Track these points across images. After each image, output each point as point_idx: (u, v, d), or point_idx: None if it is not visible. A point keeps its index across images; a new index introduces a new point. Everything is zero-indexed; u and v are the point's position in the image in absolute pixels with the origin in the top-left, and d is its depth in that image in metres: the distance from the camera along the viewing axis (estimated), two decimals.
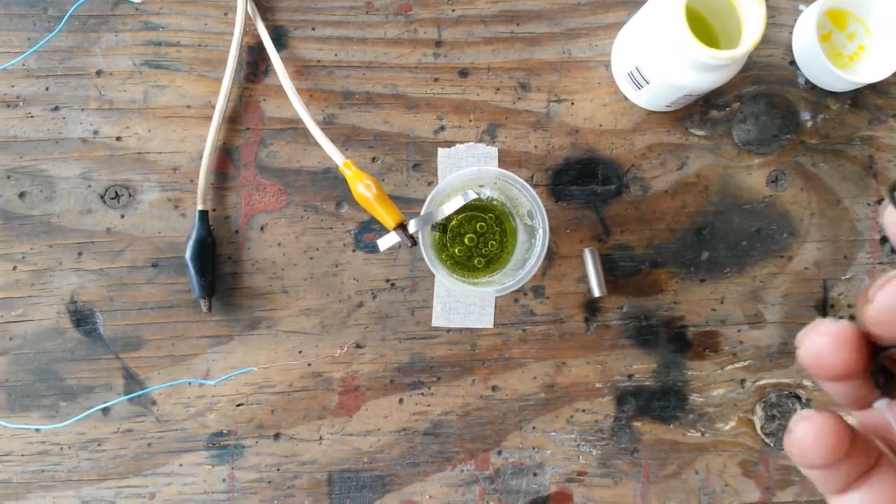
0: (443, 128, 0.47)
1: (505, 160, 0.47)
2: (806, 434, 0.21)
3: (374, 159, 0.47)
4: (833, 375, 0.21)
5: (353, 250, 0.47)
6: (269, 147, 0.47)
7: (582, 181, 0.48)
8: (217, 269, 0.46)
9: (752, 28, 0.39)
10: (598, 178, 0.48)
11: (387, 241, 0.42)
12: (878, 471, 0.22)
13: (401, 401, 0.47)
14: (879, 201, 0.48)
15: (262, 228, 0.47)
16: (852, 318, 0.48)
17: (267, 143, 0.47)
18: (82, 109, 0.46)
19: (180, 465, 0.46)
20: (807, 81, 0.48)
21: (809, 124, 0.48)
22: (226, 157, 0.47)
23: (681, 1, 0.38)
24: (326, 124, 0.47)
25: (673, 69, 0.41)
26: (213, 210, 0.47)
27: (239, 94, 0.47)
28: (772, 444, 0.48)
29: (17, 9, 0.46)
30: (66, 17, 0.46)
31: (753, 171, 0.48)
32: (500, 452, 0.47)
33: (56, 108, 0.46)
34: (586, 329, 0.48)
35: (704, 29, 0.44)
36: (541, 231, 0.41)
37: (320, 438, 0.47)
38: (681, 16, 0.38)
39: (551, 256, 0.47)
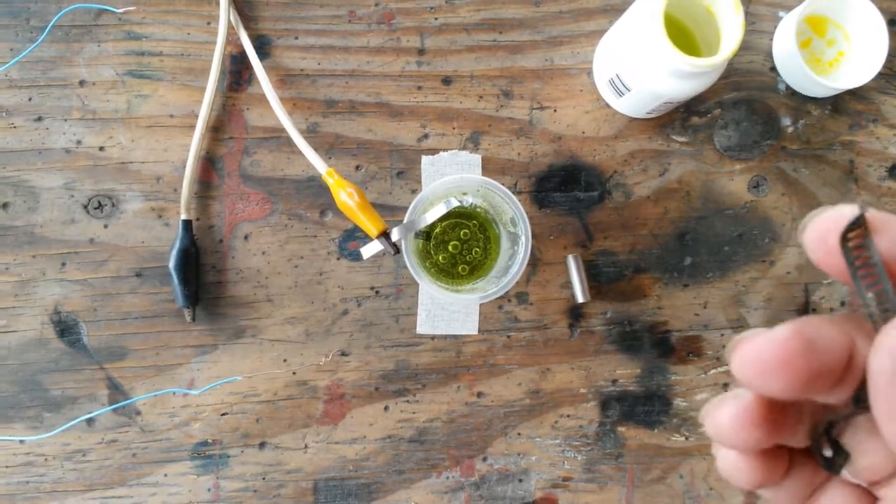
0: (426, 136, 0.48)
1: (488, 167, 0.48)
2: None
3: (357, 167, 0.47)
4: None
5: (338, 258, 0.47)
6: (253, 156, 0.47)
7: (565, 188, 0.48)
8: (201, 278, 0.46)
9: (730, 35, 0.39)
10: (581, 185, 0.48)
11: (370, 250, 0.42)
12: (830, 485, 0.22)
13: (386, 408, 0.47)
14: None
15: (246, 237, 0.47)
16: None
17: (250, 151, 0.47)
18: (65, 119, 0.46)
19: (165, 475, 0.46)
20: (787, 87, 0.49)
21: (790, 130, 0.49)
22: (209, 166, 0.47)
23: (659, 9, 0.39)
24: (310, 133, 0.47)
25: (652, 77, 0.41)
26: (197, 219, 0.47)
27: (222, 103, 0.47)
28: None
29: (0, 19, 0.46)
30: (48, 28, 0.46)
31: (735, 176, 0.48)
32: (485, 459, 0.47)
33: (39, 119, 0.46)
34: (570, 335, 0.48)
35: (684, 36, 0.44)
36: (523, 238, 0.41)
37: (305, 447, 0.47)
38: (659, 24, 0.39)
39: (535, 263, 0.48)
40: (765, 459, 0.21)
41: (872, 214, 0.18)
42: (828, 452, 0.20)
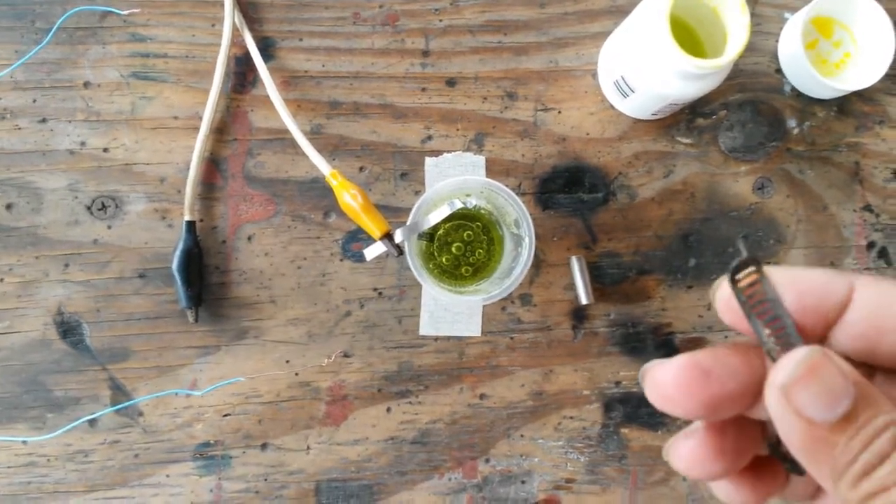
0: (430, 137, 0.47)
1: (492, 169, 0.48)
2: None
3: (361, 169, 0.47)
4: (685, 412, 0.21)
5: (341, 259, 0.47)
6: (257, 157, 0.47)
7: (569, 189, 0.48)
8: (204, 279, 0.46)
9: (736, 37, 0.39)
10: (585, 186, 0.48)
11: (373, 251, 0.42)
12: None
13: (388, 409, 0.47)
14: (867, 207, 0.48)
15: (249, 238, 0.47)
16: None
17: (254, 153, 0.47)
18: (70, 121, 0.46)
19: (167, 475, 0.46)
20: (793, 89, 0.48)
21: (796, 131, 0.48)
22: (213, 167, 0.47)
23: (665, 10, 0.39)
24: (314, 134, 0.47)
25: (658, 78, 0.41)
26: (201, 220, 0.47)
27: (226, 104, 0.47)
28: None
29: (5, 21, 0.46)
30: (53, 30, 0.46)
31: (740, 178, 0.48)
32: (487, 460, 0.47)
33: (43, 120, 0.46)
34: (574, 336, 0.48)
35: (690, 38, 0.44)
36: (527, 240, 0.41)
37: (308, 448, 0.47)
38: (665, 25, 0.39)
39: (539, 264, 0.48)
40: (754, 481, 0.22)
41: (772, 269, 0.19)
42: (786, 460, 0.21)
